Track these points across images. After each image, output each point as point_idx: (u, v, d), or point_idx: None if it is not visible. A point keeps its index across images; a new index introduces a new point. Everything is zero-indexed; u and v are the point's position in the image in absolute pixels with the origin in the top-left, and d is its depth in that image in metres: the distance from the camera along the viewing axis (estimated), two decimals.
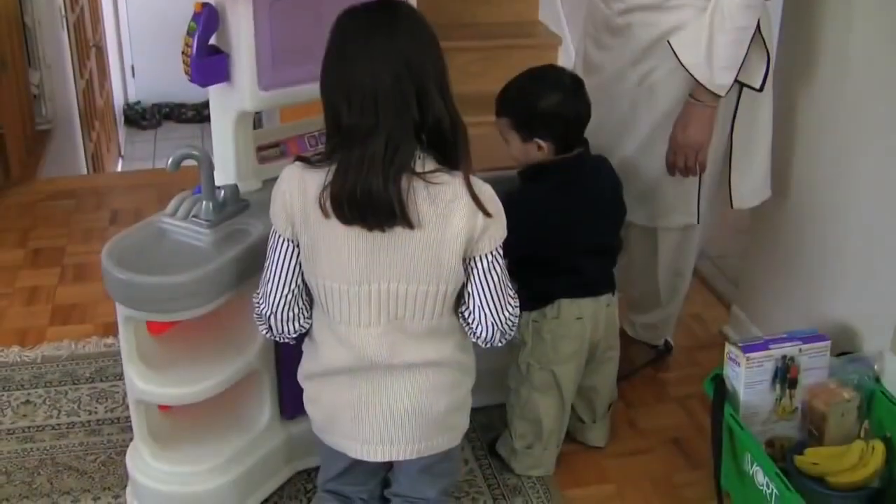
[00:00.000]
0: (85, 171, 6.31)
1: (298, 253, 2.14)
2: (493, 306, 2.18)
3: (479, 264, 2.14)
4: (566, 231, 2.63)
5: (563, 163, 2.63)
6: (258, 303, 2.23)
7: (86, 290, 3.75)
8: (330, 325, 2.18)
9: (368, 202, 2.00)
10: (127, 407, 2.61)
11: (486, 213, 2.08)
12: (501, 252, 2.17)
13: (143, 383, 2.43)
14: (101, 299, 3.58)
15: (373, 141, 1.99)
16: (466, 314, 2.21)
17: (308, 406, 2.33)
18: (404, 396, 2.19)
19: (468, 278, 2.16)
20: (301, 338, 2.30)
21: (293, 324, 2.23)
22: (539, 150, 2.61)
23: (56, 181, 5.01)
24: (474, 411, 2.93)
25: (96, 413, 3.05)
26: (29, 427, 2.98)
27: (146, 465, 2.55)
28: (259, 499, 2.65)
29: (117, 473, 2.77)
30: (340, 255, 2.07)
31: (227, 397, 2.54)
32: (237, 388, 2.53)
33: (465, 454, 2.89)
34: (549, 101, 2.58)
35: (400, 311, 2.12)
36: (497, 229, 2.15)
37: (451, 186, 2.06)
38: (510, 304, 2.22)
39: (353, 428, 2.23)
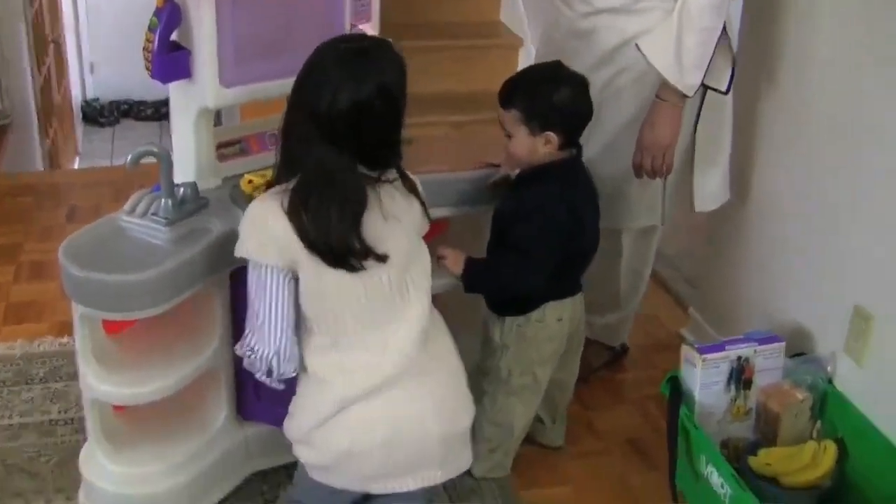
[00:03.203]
0: (42, 168, 6.26)
1: (291, 282, 2.13)
2: None
3: None
4: (571, 233, 2.62)
5: (565, 163, 2.62)
6: (252, 347, 2.18)
7: (42, 289, 3.71)
8: (343, 346, 2.17)
9: (328, 252, 2.07)
10: (81, 408, 2.58)
11: (421, 200, 2.26)
12: None
13: (98, 383, 2.41)
14: (57, 298, 3.54)
15: (327, 189, 2.06)
16: None
17: (317, 454, 2.24)
18: (436, 420, 2.19)
19: None
20: (288, 382, 2.25)
21: (294, 362, 2.19)
22: (546, 145, 2.57)
23: (13, 177, 4.97)
24: None
25: (50, 414, 3.02)
26: None
27: (100, 466, 2.53)
28: (214, 500, 2.63)
29: (70, 475, 2.72)
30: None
31: (182, 397, 2.52)
32: (193, 388, 2.51)
33: None
34: (564, 95, 2.55)
35: (414, 298, 2.20)
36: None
37: (397, 180, 2.20)
38: None
39: (381, 466, 2.19)
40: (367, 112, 2.05)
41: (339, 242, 2.06)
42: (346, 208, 2.06)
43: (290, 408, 2.27)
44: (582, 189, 2.67)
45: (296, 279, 2.13)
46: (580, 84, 2.59)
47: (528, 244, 2.55)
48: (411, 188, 2.25)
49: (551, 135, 2.56)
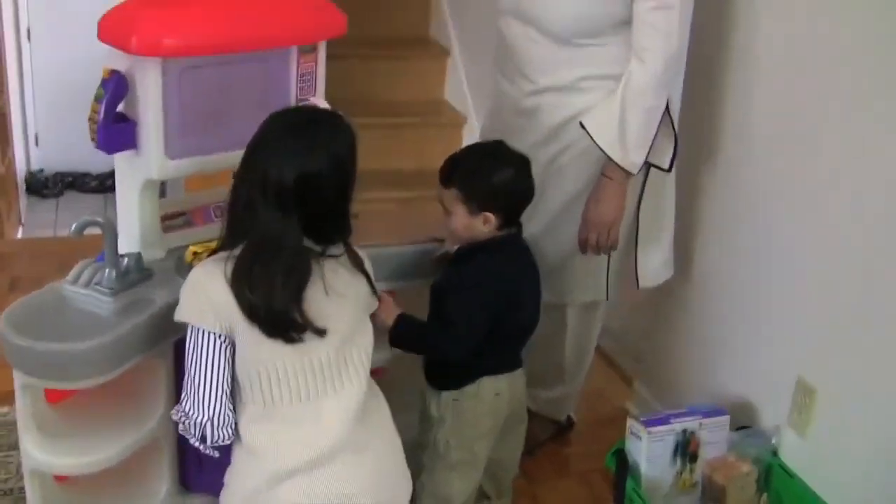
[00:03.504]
0: None
1: (229, 346, 2.12)
2: None
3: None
4: (506, 309, 2.61)
5: (503, 240, 2.62)
6: (187, 412, 2.14)
7: None
8: (276, 416, 2.14)
9: (268, 320, 2.07)
10: (20, 478, 2.54)
11: (368, 277, 2.27)
12: None
13: (38, 452, 2.36)
14: None
15: (272, 259, 2.06)
16: None
17: None
18: (368, 495, 2.16)
19: None
20: (223, 450, 2.22)
21: (229, 427, 2.15)
22: (485, 224, 2.58)
23: None
24: None
25: None
26: None
27: None
28: None
29: None
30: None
31: (125, 467, 2.47)
32: (136, 458, 2.47)
33: None
34: (503, 176, 2.56)
35: (344, 374, 2.18)
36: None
37: (343, 255, 2.20)
38: None
39: None
40: (314, 182, 2.07)
41: (279, 312, 2.06)
42: (290, 278, 2.06)
43: (225, 477, 2.24)
44: (520, 266, 2.68)
45: (233, 346, 2.12)
46: (521, 164, 2.61)
47: (454, 316, 2.55)
48: (357, 264, 2.25)
49: (490, 215, 2.57)
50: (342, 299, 2.16)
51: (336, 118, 2.20)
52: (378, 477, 2.20)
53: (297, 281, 2.07)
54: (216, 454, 2.20)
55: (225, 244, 2.15)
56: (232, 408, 2.16)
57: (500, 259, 2.62)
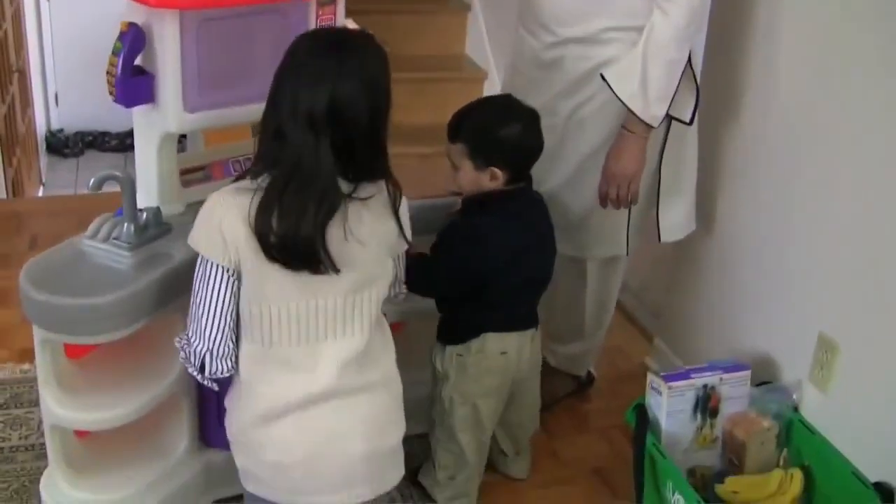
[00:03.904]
0: (4, 197, 6.20)
1: (234, 282, 2.10)
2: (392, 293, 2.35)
3: (395, 264, 2.30)
4: (505, 264, 2.61)
5: (509, 195, 2.62)
6: (189, 341, 2.17)
7: (2, 316, 3.66)
8: (273, 355, 2.14)
9: (294, 249, 2.03)
10: (42, 434, 2.56)
11: (399, 220, 2.22)
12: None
13: (58, 408, 2.38)
14: (18, 325, 3.48)
15: (308, 186, 2.01)
16: None
17: (251, 464, 2.24)
18: (359, 439, 2.17)
19: None
20: (222, 383, 2.24)
21: (228, 360, 2.16)
22: (492, 180, 2.58)
23: None
24: None
25: (10, 440, 2.98)
26: None
27: (61, 492, 2.49)
28: None
29: (30, 502, 2.70)
30: (287, 275, 2.06)
31: (145, 423, 2.50)
32: (156, 414, 2.49)
33: None
34: (510, 131, 2.56)
35: (347, 323, 2.15)
36: (409, 233, 2.29)
37: (378, 196, 2.14)
38: (398, 295, 2.47)
39: (308, 481, 2.18)
40: (347, 105, 2.01)
41: (306, 240, 2.01)
42: (321, 206, 2.01)
43: (225, 402, 2.27)
44: (527, 221, 2.67)
45: (240, 280, 2.11)
46: (530, 119, 2.60)
47: (439, 250, 2.56)
48: (392, 205, 2.19)
49: (496, 171, 2.57)
50: (361, 247, 2.11)
51: (367, 38, 2.14)
52: (369, 420, 2.19)
53: (328, 210, 2.03)
54: (215, 386, 2.23)
55: (252, 171, 2.10)
56: (233, 341, 2.16)
57: (504, 213, 2.62)
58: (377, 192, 2.14)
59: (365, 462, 2.19)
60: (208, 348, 2.14)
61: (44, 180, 8.05)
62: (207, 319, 2.12)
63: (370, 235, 2.13)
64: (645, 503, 2.64)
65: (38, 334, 2.33)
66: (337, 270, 2.06)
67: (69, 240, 2.45)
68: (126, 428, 2.45)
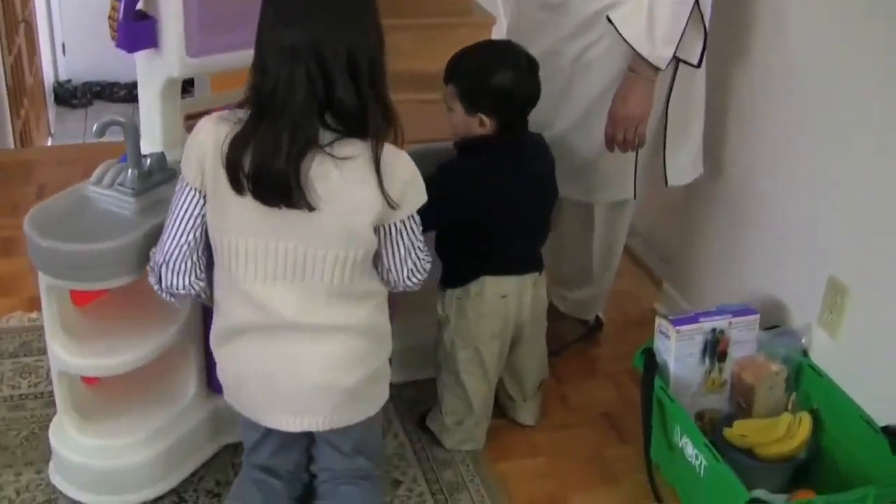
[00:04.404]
0: (12, 148, 6.20)
1: (203, 204, 2.13)
2: (402, 266, 2.25)
3: (390, 231, 2.19)
4: (495, 208, 2.60)
5: (501, 140, 2.60)
6: (153, 252, 2.22)
7: (10, 265, 3.67)
8: (234, 283, 2.15)
9: (266, 180, 2.01)
10: (51, 382, 2.56)
11: (382, 186, 2.08)
12: (416, 218, 2.21)
13: (66, 354, 2.38)
14: (25, 274, 3.49)
15: (281, 116, 1.99)
16: (378, 268, 2.24)
17: (219, 374, 2.32)
18: (315, 369, 2.18)
19: (380, 242, 2.19)
20: (181, 299, 2.29)
21: (184, 277, 2.19)
22: (481, 126, 2.57)
23: None
24: (405, 386, 2.98)
25: (19, 388, 2.99)
26: None
27: (70, 439, 2.51)
28: (185, 473, 2.62)
29: (40, 449, 2.70)
30: (248, 211, 2.06)
31: (152, 370, 2.50)
32: (163, 360, 2.49)
33: (394, 428, 2.89)
34: (502, 79, 2.54)
35: (308, 271, 2.12)
36: (415, 195, 2.18)
37: (361, 158, 2.05)
38: (419, 265, 2.29)
39: (262, 398, 2.24)
40: (323, 41, 1.98)
41: (280, 172, 1.99)
42: (295, 138, 1.98)
43: None
44: (517, 166, 2.64)
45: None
46: (526, 67, 2.58)
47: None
48: (376, 167, 2.07)
49: (484, 117, 2.56)
50: (322, 202, 2.04)
51: None
52: (329, 357, 2.18)
53: (303, 143, 2.00)
54: (172, 300, 2.26)
55: (240, 104, 2.08)
56: (196, 261, 2.19)
57: (493, 157, 2.61)
58: (358, 154, 2.05)
59: (319, 392, 2.20)
60: (165, 261, 2.18)
61: (52, 131, 8.05)
62: (169, 234, 2.16)
63: (329, 197, 2.05)
64: (653, 447, 2.64)
65: (43, 281, 2.33)
66: (311, 207, 2.03)
67: (74, 186, 2.44)
68: (134, 374, 2.46)
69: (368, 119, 2.04)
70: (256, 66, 2.04)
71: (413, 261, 2.26)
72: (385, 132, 2.09)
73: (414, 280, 2.30)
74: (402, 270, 2.25)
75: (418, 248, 2.25)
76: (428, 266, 2.31)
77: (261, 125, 2.00)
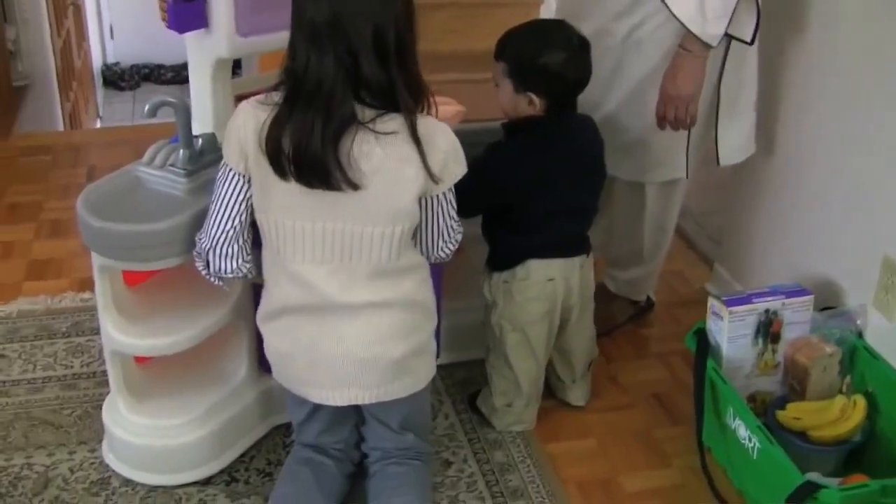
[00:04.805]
0: (62, 130, 6.25)
1: (247, 188, 2.15)
2: (438, 237, 2.28)
3: (432, 203, 2.21)
4: (541, 189, 2.59)
5: (548, 120, 2.58)
6: (199, 238, 2.24)
7: (62, 246, 3.70)
8: (281, 264, 2.18)
9: (305, 164, 2.03)
10: (103, 362, 2.59)
11: (424, 160, 2.09)
12: (453, 190, 2.23)
13: (118, 334, 2.40)
14: (77, 254, 3.55)
15: (314, 98, 2.00)
16: (413, 239, 2.26)
17: (266, 350, 2.34)
18: (359, 342, 2.19)
19: (421, 213, 2.20)
20: (230, 283, 2.33)
21: (231, 261, 2.22)
22: (529, 105, 2.55)
23: (33, 136, 4.96)
24: (456, 366, 2.97)
25: (72, 367, 3.01)
26: (4, 382, 2.94)
27: (122, 418, 2.53)
28: (237, 452, 2.63)
29: (93, 427, 2.73)
30: (293, 192, 2.08)
31: (204, 350, 2.52)
32: (215, 340, 2.51)
33: (445, 408, 2.88)
34: (553, 59, 2.52)
35: (355, 251, 2.14)
36: (456, 166, 2.19)
37: (402, 133, 2.07)
38: (453, 236, 2.32)
39: (309, 372, 2.26)
40: (347, 19, 1.98)
41: (315, 157, 2.01)
42: (328, 123, 2.00)
43: None
44: (560, 148, 2.61)
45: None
46: (578, 48, 2.55)
47: (470, 170, 2.38)
48: (416, 142, 2.08)
49: (533, 97, 2.54)
50: (366, 180, 2.06)
51: None
52: (374, 331, 2.20)
53: (338, 125, 2.01)
54: (220, 283, 2.29)
55: (275, 86, 2.11)
56: (243, 244, 2.22)
57: (537, 138, 2.59)
58: (400, 129, 2.07)
59: (366, 365, 2.21)
60: (211, 246, 2.21)
61: (101, 114, 8.12)
62: (215, 220, 2.19)
63: (373, 174, 2.06)
64: (705, 429, 2.62)
65: (96, 261, 2.35)
66: (356, 186, 2.04)
67: (125, 167, 2.45)
68: (185, 354, 2.47)
69: (398, 95, 2.05)
70: (289, 47, 2.06)
71: (448, 231, 2.29)
72: (415, 107, 2.10)
73: (446, 251, 2.33)
74: (438, 241, 2.29)
75: (453, 218, 2.28)
76: (459, 237, 2.34)
77: (295, 108, 2.02)
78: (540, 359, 2.75)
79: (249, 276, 2.28)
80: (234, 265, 2.23)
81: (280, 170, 2.05)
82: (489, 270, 2.71)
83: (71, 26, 6.96)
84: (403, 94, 2.06)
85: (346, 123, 2.02)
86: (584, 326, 2.84)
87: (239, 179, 2.15)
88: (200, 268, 2.27)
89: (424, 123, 2.09)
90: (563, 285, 2.68)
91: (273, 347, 2.31)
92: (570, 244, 2.71)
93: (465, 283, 2.83)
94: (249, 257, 2.25)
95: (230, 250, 2.21)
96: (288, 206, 2.10)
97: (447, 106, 2.51)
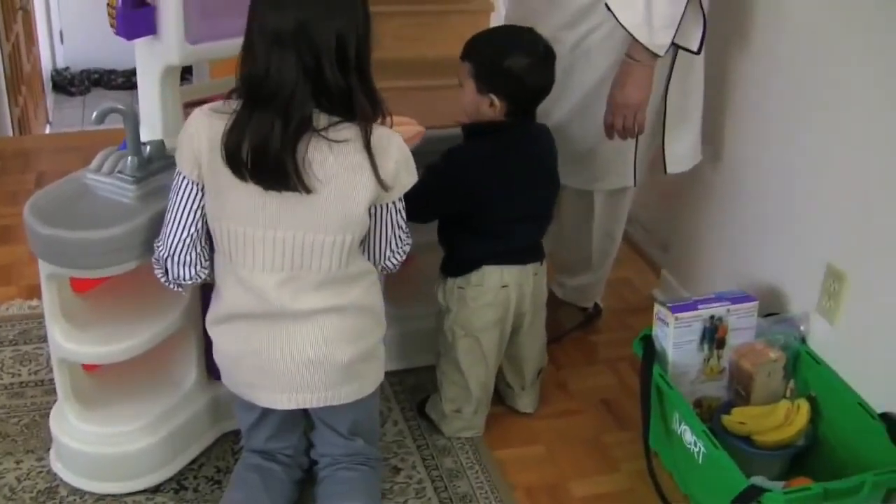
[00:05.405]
0: (11, 135, 6.18)
1: (201, 196, 2.16)
2: (386, 246, 2.30)
3: (381, 211, 2.23)
4: (498, 195, 2.60)
5: (507, 126, 2.60)
6: (157, 245, 2.23)
7: (10, 252, 3.67)
8: (232, 270, 2.18)
9: (264, 164, 2.04)
10: (51, 370, 2.56)
11: (375, 169, 2.11)
12: (402, 200, 2.26)
13: (66, 342, 2.39)
14: (25, 261, 3.52)
15: (273, 101, 2.02)
16: (361, 247, 2.27)
17: (215, 354, 2.35)
18: (308, 345, 2.20)
19: (370, 222, 2.22)
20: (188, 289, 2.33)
21: (189, 269, 2.23)
22: (490, 107, 2.56)
23: None
24: (405, 373, 2.98)
25: (19, 375, 2.99)
26: None
27: (70, 426, 2.51)
28: (186, 459, 2.62)
29: (41, 436, 2.71)
30: (246, 200, 2.09)
31: (153, 357, 2.51)
32: (163, 347, 2.50)
33: (394, 415, 2.89)
34: (518, 63, 2.53)
35: (305, 259, 2.15)
36: (406, 176, 2.21)
37: (355, 142, 2.09)
38: (401, 245, 2.34)
39: (257, 376, 2.26)
40: (312, 28, 2.00)
41: (275, 157, 2.02)
42: (288, 124, 2.01)
43: None
44: (521, 154, 2.64)
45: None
46: (543, 56, 2.58)
47: (426, 173, 2.45)
48: (368, 150, 2.10)
49: (495, 98, 2.55)
50: (320, 185, 2.08)
51: None
52: (322, 335, 2.21)
53: (296, 126, 2.02)
54: (180, 290, 2.30)
55: (232, 93, 2.11)
56: (200, 251, 2.23)
57: (497, 143, 2.60)
58: (353, 138, 2.09)
59: (313, 368, 2.22)
60: (169, 254, 2.21)
61: (50, 119, 8.03)
62: (171, 228, 2.19)
63: (327, 181, 2.08)
64: (652, 434, 2.64)
65: (44, 269, 2.33)
66: (308, 190, 2.06)
67: (74, 174, 2.44)
68: (134, 361, 2.46)
69: (354, 103, 2.07)
70: (247, 52, 2.07)
71: (396, 241, 2.31)
72: (371, 116, 2.12)
73: (394, 261, 2.35)
74: (386, 250, 2.31)
75: (402, 228, 2.30)
76: (408, 248, 2.36)
77: (254, 112, 2.03)
78: (491, 365, 2.77)
79: (209, 279, 2.29)
80: (193, 272, 2.23)
81: (238, 173, 2.06)
82: (444, 276, 2.72)
83: (20, 31, 6.89)
84: (361, 102, 2.08)
85: (303, 127, 2.03)
86: (535, 334, 2.86)
87: (193, 187, 2.16)
88: (159, 275, 2.26)
89: (378, 133, 2.12)
90: (516, 292, 2.70)
91: (222, 351, 2.31)
92: (526, 251, 2.73)
93: (416, 290, 2.84)
94: (208, 263, 2.26)
95: (188, 258, 2.21)
96: (241, 214, 2.11)
97: (408, 126, 2.51)
